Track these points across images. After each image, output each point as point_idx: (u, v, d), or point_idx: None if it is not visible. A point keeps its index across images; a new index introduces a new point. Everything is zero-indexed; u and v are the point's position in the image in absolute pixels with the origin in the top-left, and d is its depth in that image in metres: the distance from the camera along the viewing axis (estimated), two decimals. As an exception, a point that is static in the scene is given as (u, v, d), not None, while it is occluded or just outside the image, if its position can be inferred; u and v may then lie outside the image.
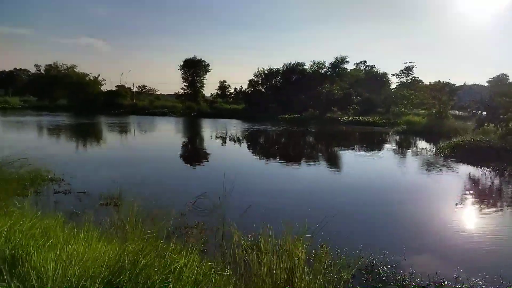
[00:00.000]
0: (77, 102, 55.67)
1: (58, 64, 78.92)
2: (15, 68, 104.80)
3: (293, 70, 60.74)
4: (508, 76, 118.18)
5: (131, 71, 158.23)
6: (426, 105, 41.43)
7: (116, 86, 60.59)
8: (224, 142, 24.45)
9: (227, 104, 64.31)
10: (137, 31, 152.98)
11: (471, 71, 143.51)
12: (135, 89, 64.69)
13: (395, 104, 55.20)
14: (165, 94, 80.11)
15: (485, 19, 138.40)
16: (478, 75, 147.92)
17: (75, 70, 75.40)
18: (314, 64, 64.87)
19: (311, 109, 51.91)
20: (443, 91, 38.22)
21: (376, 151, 22.17)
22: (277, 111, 52.03)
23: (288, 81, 58.56)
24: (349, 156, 19.59)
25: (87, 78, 56.46)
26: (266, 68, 62.02)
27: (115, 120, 40.40)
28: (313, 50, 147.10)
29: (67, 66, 77.74)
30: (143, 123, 39.95)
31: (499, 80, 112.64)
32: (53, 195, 9.30)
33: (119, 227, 5.76)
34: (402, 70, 79.47)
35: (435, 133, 30.52)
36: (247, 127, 36.83)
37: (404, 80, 78.97)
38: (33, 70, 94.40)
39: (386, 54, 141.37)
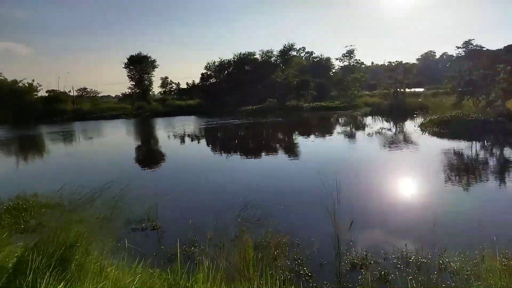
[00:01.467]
0: (11, 112, 49.27)
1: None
2: None
3: (244, 60, 59.58)
4: (435, 53, 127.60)
5: (68, 73, 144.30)
6: (382, 86, 42.81)
7: (47, 92, 54.34)
8: (215, 144, 22.84)
9: (179, 100, 61.47)
10: (62, 32, 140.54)
11: (399, 51, 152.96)
12: (75, 93, 59.06)
13: (347, 87, 56.70)
14: (108, 96, 74.63)
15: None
16: (405, 54, 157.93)
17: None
18: (263, 53, 64.42)
19: (269, 99, 51.37)
20: (398, 71, 39.71)
21: (367, 135, 21.96)
22: (234, 104, 50.80)
23: (241, 71, 57.31)
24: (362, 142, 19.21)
25: (20, 85, 50.04)
26: (216, 60, 60.25)
27: (58, 129, 36.23)
28: (244, 40, 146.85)
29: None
30: (93, 129, 36.37)
31: (427, 57, 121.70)
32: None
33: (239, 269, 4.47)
34: (344, 54, 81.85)
35: (401, 111, 31.55)
36: (212, 122, 35.11)
37: (347, 64, 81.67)
38: None
39: (317, 40, 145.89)
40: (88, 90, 60.76)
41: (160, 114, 49.92)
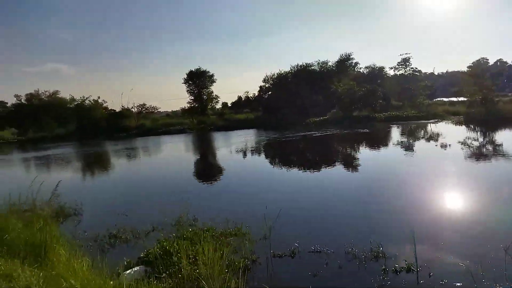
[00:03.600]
0: (79, 129, 50.82)
1: (39, 92, 73.64)
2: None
3: (303, 72, 58.35)
4: (488, 60, 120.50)
5: (132, 89, 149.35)
6: (467, 93, 39.66)
7: (119, 108, 56.21)
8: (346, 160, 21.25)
9: (237, 114, 60.97)
10: (103, 52, 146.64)
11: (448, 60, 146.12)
12: (135, 110, 60.14)
13: (414, 96, 53.83)
14: (165, 111, 75.83)
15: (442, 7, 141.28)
16: (450, 62, 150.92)
17: (58, 95, 70.53)
18: (319, 63, 63.09)
19: (333, 110, 49.55)
20: (485, 76, 36.66)
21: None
22: (295, 116, 49.53)
23: (300, 83, 55.92)
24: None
25: (87, 102, 51.67)
26: (275, 72, 59.48)
27: (130, 145, 36.29)
28: (289, 53, 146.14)
29: (49, 93, 72.61)
30: (161, 145, 36.11)
31: (480, 64, 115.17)
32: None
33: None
34: (399, 62, 78.51)
35: (500, 120, 28.58)
36: (286, 135, 33.40)
37: (403, 72, 78.31)
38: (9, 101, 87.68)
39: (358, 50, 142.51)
40: (147, 106, 61.62)
41: (220, 128, 49.36)
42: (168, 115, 71.77)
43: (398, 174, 14.33)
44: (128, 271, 6.50)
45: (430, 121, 36.28)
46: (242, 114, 59.74)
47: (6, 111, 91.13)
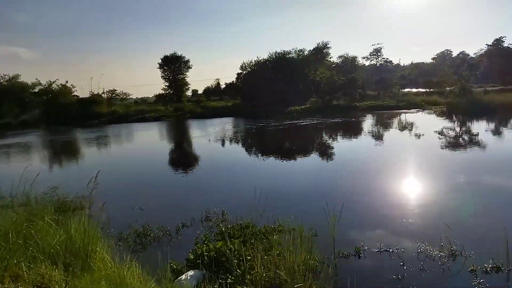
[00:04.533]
0: (46, 115, 47.43)
1: (-2, 75, 67.89)
2: None
3: (280, 60, 57.57)
4: (452, 52, 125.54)
5: (103, 74, 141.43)
6: (446, 83, 40.55)
7: (87, 94, 52.80)
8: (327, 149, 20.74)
9: (214, 101, 59.57)
10: (68, 34, 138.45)
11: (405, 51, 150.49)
12: (105, 96, 56.96)
13: (389, 86, 54.86)
14: (136, 98, 72.51)
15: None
16: (415, 53, 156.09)
17: (18, 80, 65.49)
18: (296, 51, 62.64)
19: (312, 98, 49.43)
20: (463, 67, 37.71)
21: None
22: (274, 104, 48.96)
23: (278, 71, 55.15)
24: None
25: (54, 87, 48.10)
26: (251, 59, 58.35)
27: (107, 132, 34.40)
28: (262, 41, 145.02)
29: (9, 77, 67.16)
30: (138, 132, 34.48)
31: (443, 56, 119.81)
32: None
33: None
34: (371, 53, 79.75)
35: (484, 111, 29.50)
36: (284, 124, 32.64)
37: (375, 62, 79.77)
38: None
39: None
40: (118, 92, 58.62)
41: (197, 116, 47.85)
42: (136, 101, 68.51)
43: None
44: (182, 277, 5.62)
45: (411, 110, 36.94)
46: (219, 101, 58.39)
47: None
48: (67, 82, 49.63)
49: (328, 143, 20.44)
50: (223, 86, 62.95)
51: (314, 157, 16.76)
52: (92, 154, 21.53)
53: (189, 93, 63.98)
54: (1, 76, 67.30)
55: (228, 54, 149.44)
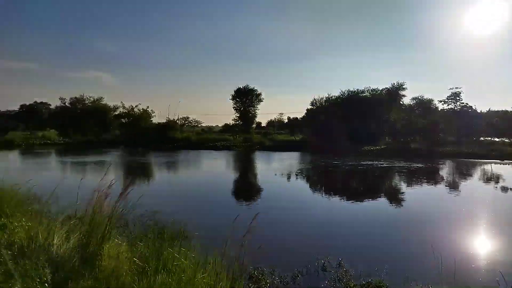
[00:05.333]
0: (125, 136, 50.77)
1: (84, 97, 74.73)
2: (35, 102, 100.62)
3: (353, 98, 56.53)
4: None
5: (180, 101, 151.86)
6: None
7: (162, 119, 56.42)
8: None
9: (281, 135, 59.65)
10: (143, 64, 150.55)
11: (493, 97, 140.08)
12: (179, 122, 59.86)
13: (475, 133, 50.84)
14: (205, 126, 75.37)
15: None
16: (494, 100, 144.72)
17: (102, 102, 71.31)
18: (368, 90, 61.24)
19: (388, 139, 47.25)
20: None
21: None
22: (345, 142, 47.71)
23: (350, 109, 54.02)
24: None
25: (136, 110, 51.69)
26: (322, 96, 58.01)
27: (186, 157, 35.35)
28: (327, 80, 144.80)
29: (94, 99, 73.58)
30: (211, 159, 34.92)
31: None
32: None
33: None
34: (449, 96, 75.36)
35: None
36: (362, 164, 31.22)
37: (452, 107, 75.14)
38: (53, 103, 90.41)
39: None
40: (191, 120, 61.29)
41: (266, 148, 47.85)
42: (203, 130, 71.00)
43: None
44: None
45: (501, 161, 33.33)
46: (286, 135, 58.35)
47: (47, 113, 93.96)
48: (148, 107, 53.06)
49: (421, 190, 18.68)
50: (285, 120, 63.03)
51: (413, 206, 15.22)
52: (183, 179, 21.88)
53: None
54: (87, 97, 74.28)
55: (288, 89, 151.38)
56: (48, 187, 9.35)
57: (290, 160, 34.50)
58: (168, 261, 4.82)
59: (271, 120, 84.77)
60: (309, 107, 58.39)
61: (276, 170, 25.97)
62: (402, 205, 15.16)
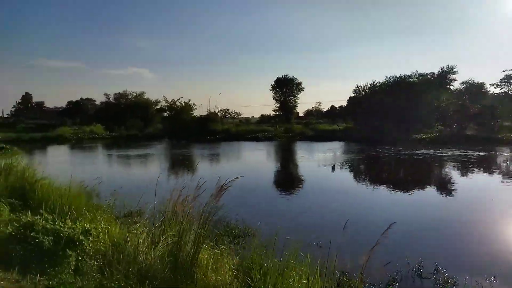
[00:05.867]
0: (167, 129, 51.49)
1: (127, 92, 76.45)
2: (81, 98, 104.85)
3: (400, 84, 53.64)
4: None
5: (220, 94, 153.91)
6: None
7: (202, 112, 56.64)
8: None
9: (321, 124, 58.05)
10: (180, 59, 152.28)
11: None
12: (219, 114, 59.80)
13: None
14: (244, 117, 74.99)
15: None
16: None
17: (143, 97, 72.64)
18: (415, 75, 58.00)
19: (440, 126, 44.49)
20: None
21: None
22: (393, 130, 45.50)
23: (398, 95, 51.27)
24: None
25: (178, 104, 52.14)
26: (366, 82, 55.65)
27: (231, 149, 35.02)
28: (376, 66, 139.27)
29: (136, 94, 75.09)
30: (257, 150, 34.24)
31: None
32: None
33: None
34: (502, 79, 69.88)
35: None
36: (417, 154, 29.19)
37: (506, 91, 69.74)
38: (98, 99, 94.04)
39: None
40: (230, 111, 61.08)
41: (308, 138, 46.60)
42: (241, 121, 70.51)
43: None
44: None
45: None
46: (327, 124, 56.74)
47: (93, 108, 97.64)
48: (189, 100, 53.32)
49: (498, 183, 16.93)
50: (323, 109, 61.26)
51: None
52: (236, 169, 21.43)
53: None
54: (130, 93, 76.05)
55: (324, 79, 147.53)
56: (115, 184, 9.02)
57: (338, 150, 33.22)
58: (274, 275, 4.08)
59: (308, 109, 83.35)
60: (352, 94, 56.24)
61: (328, 161, 24.85)
62: (487, 202, 13.63)
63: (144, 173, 20.26)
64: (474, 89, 69.30)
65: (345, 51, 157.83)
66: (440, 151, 28.78)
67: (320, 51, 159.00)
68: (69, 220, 4.69)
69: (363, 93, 55.55)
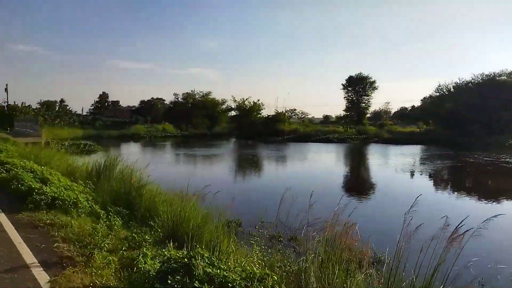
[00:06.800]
0: (235, 129, 51.37)
1: (195, 92, 77.71)
2: (152, 98, 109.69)
3: (489, 83, 47.85)
4: None
5: (289, 93, 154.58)
6: None
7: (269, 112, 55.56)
8: None
9: (396, 126, 54.05)
10: (244, 59, 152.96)
11: None
12: (286, 114, 58.29)
13: None
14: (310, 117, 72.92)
15: None
16: None
17: (210, 96, 73.30)
18: (505, 74, 51.38)
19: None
20: None
21: None
22: (482, 134, 40.69)
23: (486, 95, 45.67)
24: None
25: (247, 103, 51.59)
26: (453, 81, 50.71)
27: (307, 150, 33.26)
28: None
29: (203, 93, 76.08)
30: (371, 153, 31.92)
31: None
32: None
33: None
34: None
35: None
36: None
37: None
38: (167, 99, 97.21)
39: None
40: (297, 111, 59.25)
41: (385, 141, 42.97)
42: (306, 121, 68.23)
43: None
44: None
45: None
46: (409, 127, 52.64)
47: (163, 107, 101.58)
48: (258, 100, 52.47)
49: None
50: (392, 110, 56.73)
51: None
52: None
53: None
54: (197, 92, 77.34)
55: (392, 77, 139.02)
56: (223, 193, 7.86)
57: (426, 155, 29.83)
58: None
59: (375, 110, 77.99)
60: (426, 95, 51.54)
61: (424, 170, 22.02)
62: None
63: (248, 178, 19.13)
64: None
65: (406, 48, 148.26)
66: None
67: (382, 48, 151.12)
68: (223, 257, 3.41)
69: (447, 92, 50.59)
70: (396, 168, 22.06)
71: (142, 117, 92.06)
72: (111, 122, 67.07)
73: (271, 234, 7.93)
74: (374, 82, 54.06)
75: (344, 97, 55.35)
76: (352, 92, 54.45)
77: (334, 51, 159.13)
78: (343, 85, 55.00)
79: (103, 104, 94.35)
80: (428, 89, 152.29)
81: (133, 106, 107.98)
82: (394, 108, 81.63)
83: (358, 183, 18.21)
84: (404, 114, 67.11)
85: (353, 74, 54.21)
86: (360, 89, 54.09)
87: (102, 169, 9.19)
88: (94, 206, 6.46)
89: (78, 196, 6.22)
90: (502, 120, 43.76)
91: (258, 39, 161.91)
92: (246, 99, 52.20)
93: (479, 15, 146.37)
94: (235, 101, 52.23)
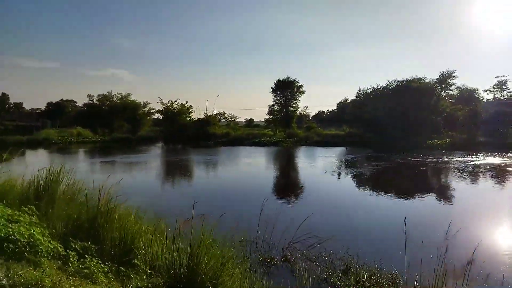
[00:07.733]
0: (163, 132, 48.41)
1: (112, 94, 71.72)
2: (61, 100, 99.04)
3: (403, 88, 52.41)
4: None
5: (218, 96, 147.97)
6: None
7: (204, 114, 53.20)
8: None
9: (320, 128, 56.36)
10: (160, 61, 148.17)
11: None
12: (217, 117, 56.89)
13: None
14: (240, 121, 72.44)
15: None
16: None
17: (130, 99, 68.57)
18: (415, 80, 57.03)
19: (451, 132, 43.41)
20: None
21: None
22: (403, 135, 44.34)
23: (402, 100, 49.94)
24: None
25: (174, 106, 48.70)
26: (370, 86, 54.40)
27: (248, 154, 32.34)
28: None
29: (122, 95, 70.70)
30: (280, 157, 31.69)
31: None
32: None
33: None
34: (495, 85, 70.49)
35: None
36: (447, 162, 27.50)
37: (498, 96, 70.35)
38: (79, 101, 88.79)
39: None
40: (226, 115, 58.29)
41: (315, 143, 44.29)
42: (230, 124, 67.67)
43: None
44: None
45: None
46: (320, 129, 55.24)
47: (75, 110, 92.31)
48: (186, 102, 50.10)
49: None
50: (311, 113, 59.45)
51: None
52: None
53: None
54: (115, 94, 71.49)
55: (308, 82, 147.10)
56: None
57: (362, 156, 30.87)
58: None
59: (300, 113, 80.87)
60: (355, 98, 54.75)
61: (368, 171, 22.60)
62: None
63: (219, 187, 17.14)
64: (467, 95, 69.41)
65: (327, 55, 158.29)
66: (473, 159, 27.18)
67: (305, 54, 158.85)
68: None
69: (364, 97, 54.18)
70: (348, 167, 22.29)
71: (50, 120, 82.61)
72: (13, 126, 58.32)
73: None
74: (301, 86, 55.60)
75: (273, 101, 55.91)
76: (281, 96, 55.26)
77: (257, 55, 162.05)
78: (272, 88, 55.50)
79: (3, 107, 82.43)
80: (341, 94, 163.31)
81: (38, 109, 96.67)
82: (312, 112, 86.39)
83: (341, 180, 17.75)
84: (322, 118, 70.46)
85: (282, 78, 55.11)
86: (288, 93, 55.12)
87: (42, 187, 6.90)
88: (54, 244, 4.48)
89: (33, 230, 4.24)
90: (416, 122, 48.09)
91: (185, 43, 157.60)
92: (174, 101, 49.50)
93: (391, 27, 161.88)
94: (162, 103, 49.08)
